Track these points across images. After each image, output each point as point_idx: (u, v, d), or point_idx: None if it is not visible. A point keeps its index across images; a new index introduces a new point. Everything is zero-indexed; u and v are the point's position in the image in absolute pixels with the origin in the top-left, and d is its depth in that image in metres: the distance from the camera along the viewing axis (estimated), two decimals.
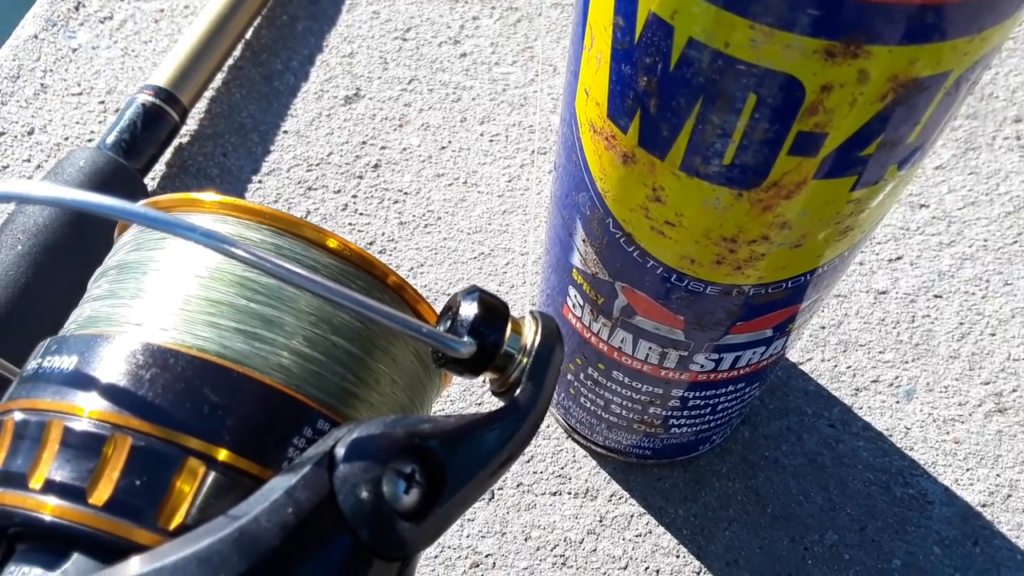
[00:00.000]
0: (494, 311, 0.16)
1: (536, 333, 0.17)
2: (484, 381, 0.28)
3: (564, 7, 0.42)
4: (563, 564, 0.28)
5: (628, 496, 0.30)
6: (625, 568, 0.28)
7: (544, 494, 0.30)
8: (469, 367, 0.16)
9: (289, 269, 0.14)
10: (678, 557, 0.29)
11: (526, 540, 0.29)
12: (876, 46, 0.13)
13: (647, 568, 0.28)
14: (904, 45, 0.13)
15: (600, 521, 0.29)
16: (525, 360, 0.16)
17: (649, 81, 0.15)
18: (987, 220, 0.37)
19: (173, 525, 0.14)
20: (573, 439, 0.30)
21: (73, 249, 0.28)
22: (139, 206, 0.13)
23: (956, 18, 0.13)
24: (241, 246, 0.14)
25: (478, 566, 0.28)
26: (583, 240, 0.21)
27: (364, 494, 0.14)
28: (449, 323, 0.16)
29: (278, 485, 0.14)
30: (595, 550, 0.29)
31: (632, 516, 0.29)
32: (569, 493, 0.30)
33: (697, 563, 0.29)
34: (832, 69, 0.13)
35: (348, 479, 0.14)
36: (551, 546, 0.29)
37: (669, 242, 0.19)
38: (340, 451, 0.14)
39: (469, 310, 0.16)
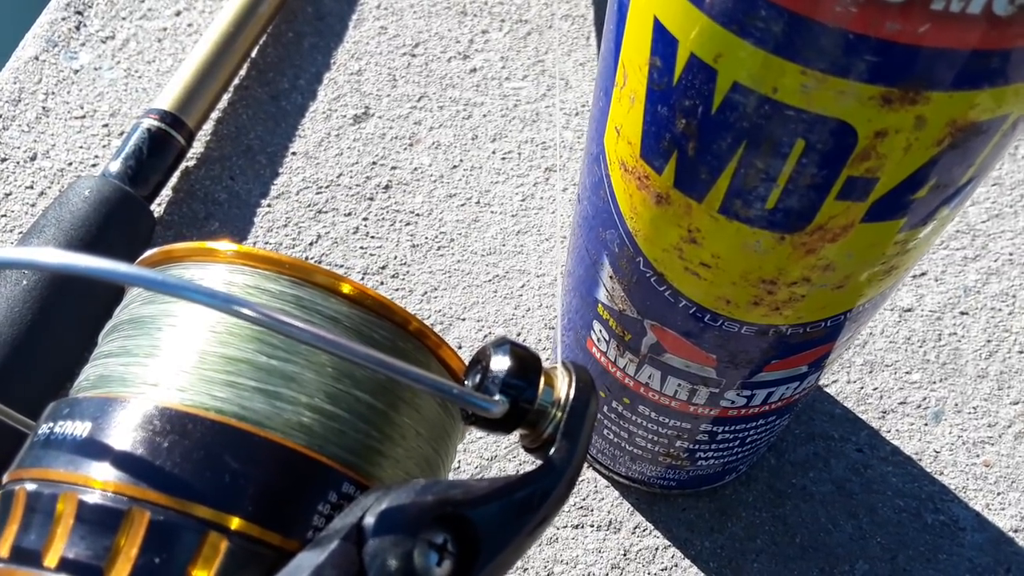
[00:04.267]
0: (527, 365, 0.15)
1: (570, 386, 0.16)
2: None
3: (575, 19, 0.41)
4: None
5: (652, 528, 0.29)
6: None
7: (566, 527, 0.29)
8: (501, 426, 0.15)
9: (314, 333, 0.13)
10: None
11: None
12: (936, 92, 0.12)
13: None
14: (965, 90, 0.12)
15: (624, 555, 0.28)
16: (559, 414, 0.16)
17: (688, 124, 0.15)
18: (1012, 233, 0.36)
19: None
20: (594, 469, 0.30)
21: (79, 284, 0.27)
22: (153, 272, 0.13)
23: (1021, 62, 0.12)
24: (261, 309, 0.13)
25: None
26: (610, 276, 0.20)
27: (394, 569, 0.13)
28: (479, 378, 0.15)
29: (305, 563, 0.13)
30: None
31: (657, 549, 0.28)
32: (592, 526, 0.29)
33: None
34: (888, 115, 0.13)
35: (378, 555, 0.13)
36: None
37: (704, 283, 0.18)
38: (369, 523, 0.13)
39: (500, 364, 0.15)
